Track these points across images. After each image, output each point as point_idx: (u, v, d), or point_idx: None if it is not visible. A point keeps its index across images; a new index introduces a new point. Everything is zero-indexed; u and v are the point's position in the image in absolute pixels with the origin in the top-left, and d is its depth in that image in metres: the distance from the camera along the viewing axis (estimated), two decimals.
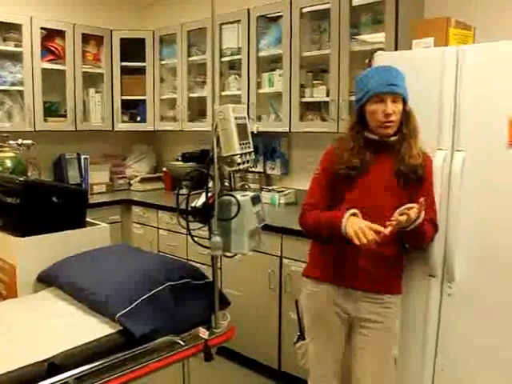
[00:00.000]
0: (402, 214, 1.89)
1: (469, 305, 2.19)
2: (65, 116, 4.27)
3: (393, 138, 2.09)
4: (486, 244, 2.14)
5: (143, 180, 4.75)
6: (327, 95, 3.32)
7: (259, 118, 3.76)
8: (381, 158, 2.09)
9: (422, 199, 1.88)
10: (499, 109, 2.07)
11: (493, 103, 2.09)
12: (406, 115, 2.08)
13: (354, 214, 1.98)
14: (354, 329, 2.17)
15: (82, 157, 4.42)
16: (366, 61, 2.66)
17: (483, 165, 2.13)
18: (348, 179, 2.09)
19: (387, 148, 2.09)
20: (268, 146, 3.97)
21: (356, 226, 1.91)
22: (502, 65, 2.07)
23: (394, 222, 1.88)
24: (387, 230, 1.88)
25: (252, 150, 2.00)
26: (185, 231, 1.95)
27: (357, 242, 1.89)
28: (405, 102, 2.07)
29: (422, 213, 1.93)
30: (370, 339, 2.12)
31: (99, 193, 4.48)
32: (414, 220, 1.92)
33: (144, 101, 4.59)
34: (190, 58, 4.23)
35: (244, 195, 1.94)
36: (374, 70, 2.13)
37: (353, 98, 2.41)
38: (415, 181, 2.06)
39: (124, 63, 4.51)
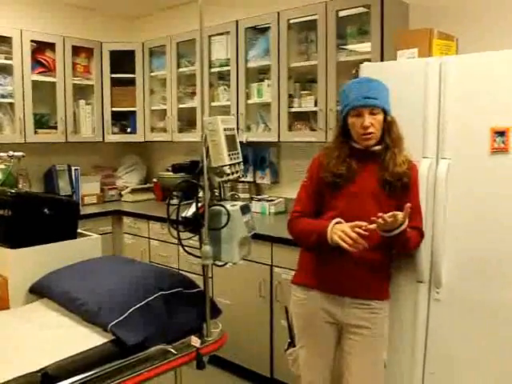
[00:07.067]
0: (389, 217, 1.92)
1: (456, 309, 2.23)
2: (55, 128, 4.27)
3: (377, 147, 2.13)
4: (471, 249, 2.19)
5: (134, 191, 4.77)
6: (315, 105, 3.36)
7: (248, 128, 3.79)
8: (367, 166, 2.13)
9: (408, 205, 1.92)
10: (481, 118, 2.13)
11: (475, 112, 2.15)
12: (388, 125, 2.12)
13: (338, 223, 2.02)
14: (344, 334, 2.20)
15: (73, 168, 4.42)
16: (353, 71, 2.70)
17: (467, 172, 2.18)
18: (335, 187, 2.13)
19: (373, 157, 2.13)
20: (257, 156, 4.01)
21: (339, 231, 1.96)
22: (483, 75, 2.13)
23: (380, 220, 1.90)
24: (372, 226, 1.92)
25: (241, 160, 2.03)
26: (176, 241, 1.98)
27: (344, 245, 1.93)
28: (386, 113, 2.10)
29: (406, 220, 1.96)
30: (359, 344, 2.15)
31: (90, 204, 4.48)
32: (398, 225, 1.95)
33: (134, 112, 4.61)
34: (180, 70, 4.26)
35: (233, 205, 1.96)
36: (353, 83, 2.16)
37: (340, 108, 2.44)
38: (400, 188, 2.10)
39: (114, 75, 4.54)
